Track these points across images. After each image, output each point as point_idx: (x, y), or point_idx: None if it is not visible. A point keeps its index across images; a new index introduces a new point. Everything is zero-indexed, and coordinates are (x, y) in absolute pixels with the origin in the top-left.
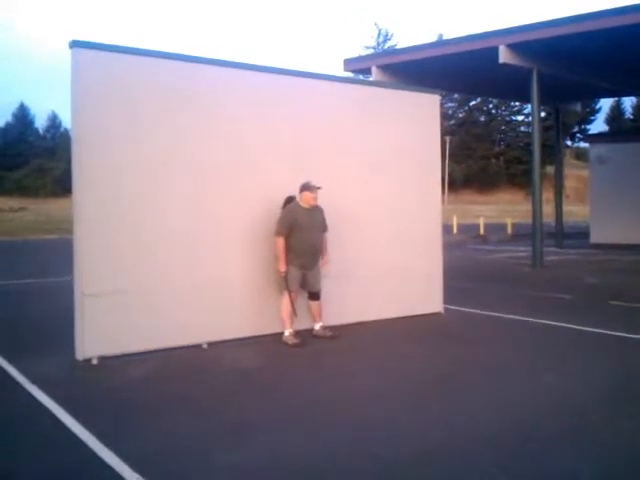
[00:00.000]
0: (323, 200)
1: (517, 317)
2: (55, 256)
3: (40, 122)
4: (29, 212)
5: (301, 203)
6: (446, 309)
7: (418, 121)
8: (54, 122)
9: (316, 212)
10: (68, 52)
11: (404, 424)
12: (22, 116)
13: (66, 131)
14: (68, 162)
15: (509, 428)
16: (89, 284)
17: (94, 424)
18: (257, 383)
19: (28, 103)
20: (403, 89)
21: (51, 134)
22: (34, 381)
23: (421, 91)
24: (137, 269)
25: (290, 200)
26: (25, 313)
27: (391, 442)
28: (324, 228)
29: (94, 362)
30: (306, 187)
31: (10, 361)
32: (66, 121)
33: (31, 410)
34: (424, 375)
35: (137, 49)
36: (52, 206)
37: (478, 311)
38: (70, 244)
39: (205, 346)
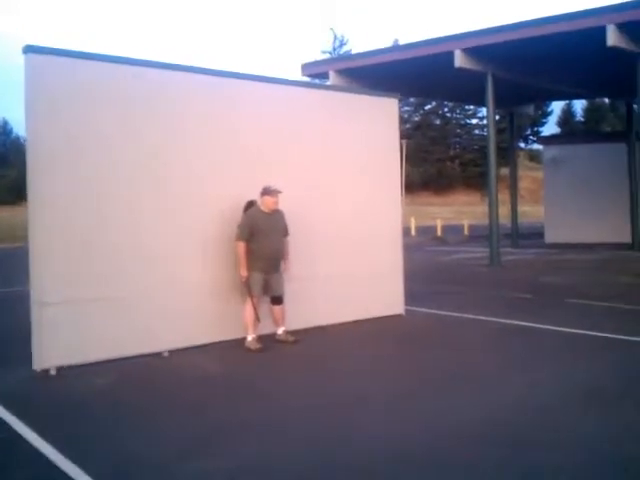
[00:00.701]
0: (283, 204)
1: (476, 317)
2: (6, 265)
3: None
4: None
5: (262, 207)
6: (407, 310)
7: (377, 124)
8: (5, 129)
9: (277, 216)
10: (21, 58)
11: (364, 429)
12: None
13: (17, 138)
14: (19, 170)
15: (468, 430)
16: (46, 293)
17: (52, 436)
18: (218, 391)
19: None
20: (362, 93)
21: (1, 141)
22: None
23: (379, 95)
24: (94, 277)
25: (251, 204)
26: None
27: (347, 449)
28: (285, 232)
29: (52, 372)
30: (267, 191)
31: None
32: (17, 128)
33: None
34: (386, 378)
35: (91, 54)
36: (3, 214)
37: (438, 312)
38: (22, 253)
39: (166, 354)
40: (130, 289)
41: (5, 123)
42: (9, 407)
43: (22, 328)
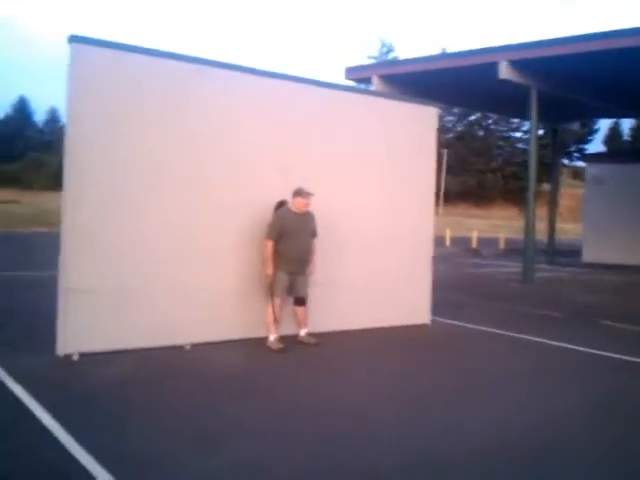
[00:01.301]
0: (314, 207)
1: (504, 332)
2: (42, 249)
3: (40, 116)
4: (21, 205)
5: (293, 208)
6: (433, 321)
7: (416, 132)
8: (53, 116)
9: (307, 218)
10: (67, 47)
11: (382, 437)
12: (21, 109)
13: (64, 126)
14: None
15: (493, 444)
16: (73, 279)
17: (68, 422)
18: (236, 388)
19: (29, 96)
20: (402, 100)
21: (50, 128)
22: (13, 376)
23: (420, 103)
24: (123, 266)
25: (282, 204)
26: (7, 306)
27: (368, 455)
28: (314, 234)
29: (75, 358)
30: (299, 193)
31: None
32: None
33: (8, 407)
34: (405, 387)
35: (136, 47)
36: (46, 199)
37: (465, 324)
38: (59, 238)
39: (188, 347)
40: (157, 280)
41: (54, 111)
42: (29, 389)
43: (51, 312)
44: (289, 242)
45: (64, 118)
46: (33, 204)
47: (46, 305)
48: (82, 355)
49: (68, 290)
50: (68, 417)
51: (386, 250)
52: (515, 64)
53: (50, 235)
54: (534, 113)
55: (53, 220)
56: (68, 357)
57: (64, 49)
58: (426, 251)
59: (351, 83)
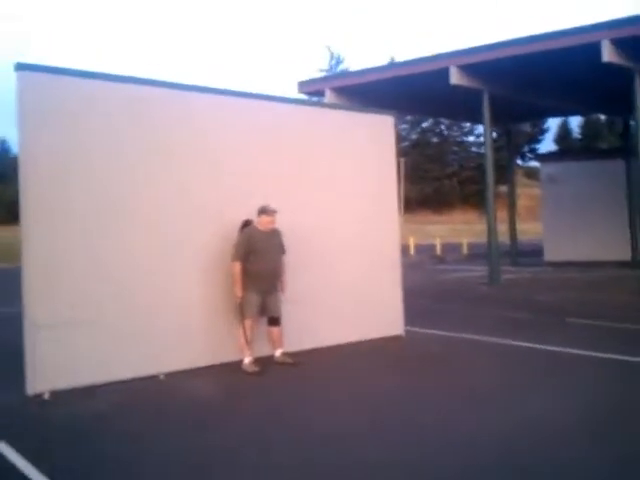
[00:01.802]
0: (279, 223)
1: (477, 337)
2: (2, 286)
3: None
4: None
5: (259, 226)
6: (407, 331)
7: (374, 143)
8: (3, 147)
9: (274, 235)
10: (13, 75)
11: (358, 455)
12: None
13: (15, 157)
14: (16, 188)
15: (472, 457)
16: (39, 315)
17: (44, 465)
18: (215, 416)
19: None
20: (357, 111)
21: (0, 159)
22: None
23: (375, 112)
24: (90, 298)
25: (247, 224)
26: None
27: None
28: (282, 251)
29: (46, 397)
30: (263, 210)
31: None
32: (15, 147)
33: None
34: (387, 405)
35: (83, 71)
36: (1, 233)
37: (438, 332)
38: (18, 273)
39: (162, 377)
40: (125, 311)
41: (3, 142)
42: (0, 433)
43: (17, 350)
44: (258, 261)
45: (16, 149)
46: None
47: (14, 343)
48: (53, 393)
49: (34, 326)
50: (42, 459)
51: (354, 263)
52: (465, 69)
53: (8, 270)
54: (487, 116)
55: (10, 254)
56: (39, 396)
57: (6, 77)
58: (394, 261)
59: (303, 96)
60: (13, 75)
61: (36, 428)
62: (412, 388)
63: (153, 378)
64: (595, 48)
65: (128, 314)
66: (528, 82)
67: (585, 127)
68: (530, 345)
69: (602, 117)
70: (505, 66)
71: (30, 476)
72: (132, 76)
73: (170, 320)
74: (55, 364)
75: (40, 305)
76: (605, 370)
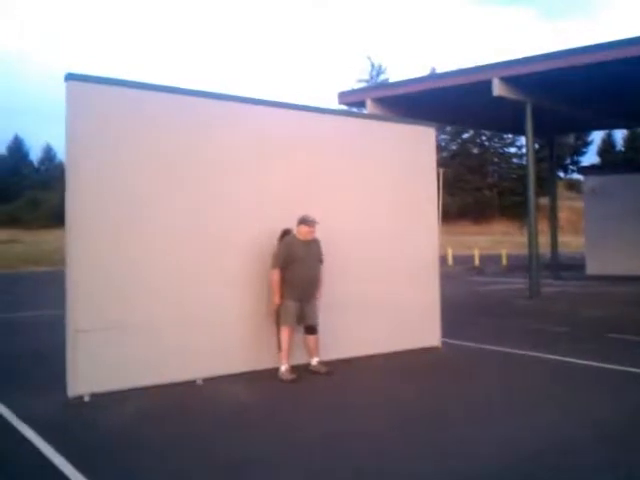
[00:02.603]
0: (318, 232)
1: (516, 351)
2: (45, 289)
3: (35, 154)
4: (21, 244)
5: (298, 236)
6: (444, 343)
7: (414, 153)
8: (49, 154)
9: (313, 244)
10: (63, 85)
11: (390, 466)
12: (16, 148)
13: (61, 163)
14: (62, 194)
15: (510, 468)
16: (81, 320)
17: (85, 464)
18: (252, 422)
19: (23, 135)
20: (399, 122)
21: (45, 166)
22: (24, 419)
23: (416, 123)
24: (130, 304)
25: (287, 233)
26: (14, 348)
27: None
28: (321, 260)
29: (86, 399)
30: (303, 221)
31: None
32: (61, 153)
33: (21, 450)
34: (423, 415)
35: (132, 82)
36: (45, 238)
37: (476, 345)
38: (59, 277)
39: (200, 382)
40: (165, 316)
41: (49, 149)
42: (42, 434)
43: (58, 352)
44: (296, 270)
45: (61, 156)
46: (33, 243)
47: (53, 346)
48: (93, 395)
49: (76, 331)
50: (83, 461)
51: (394, 273)
52: (508, 80)
53: (52, 274)
54: (530, 128)
55: (54, 259)
56: (79, 398)
57: (57, 86)
58: (433, 272)
59: (343, 107)
60: (54, 83)
61: (77, 430)
62: (444, 398)
63: (191, 383)
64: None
65: (168, 320)
66: (572, 94)
67: (629, 140)
68: (569, 360)
69: None
70: (549, 78)
71: (70, 476)
72: (178, 87)
73: (209, 326)
74: (96, 368)
75: (82, 309)
76: None
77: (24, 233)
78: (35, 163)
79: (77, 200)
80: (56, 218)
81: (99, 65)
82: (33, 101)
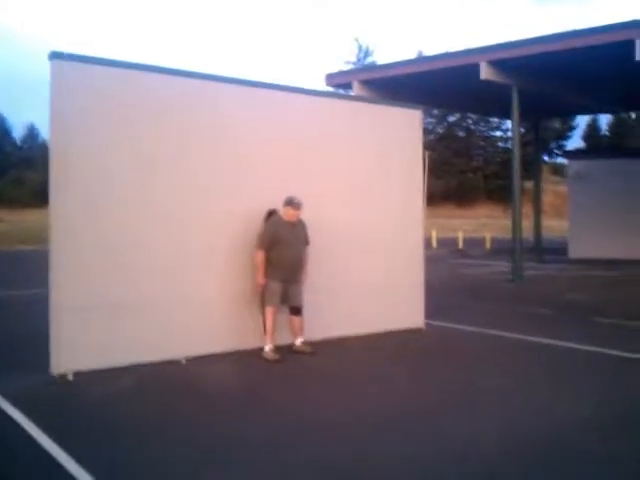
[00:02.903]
0: (304, 214)
1: (498, 333)
2: (29, 268)
3: (17, 132)
4: (5, 223)
5: (284, 217)
6: (427, 324)
7: (401, 136)
8: (32, 133)
9: (298, 226)
10: (47, 63)
11: (375, 446)
12: None
13: (44, 142)
14: (45, 173)
15: (493, 453)
16: (65, 297)
17: (68, 442)
18: (236, 401)
19: (5, 113)
20: (386, 104)
21: (28, 145)
22: (7, 397)
23: (403, 106)
24: (115, 281)
25: (272, 213)
26: (1, 326)
27: (354, 466)
28: (306, 242)
29: (69, 377)
30: (289, 202)
31: None
32: (44, 132)
33: (3, 427)
34: (400, 394)
35: (117, 61)
36: (29, 217)
37: (459, 326)
38: (45, 256)
39: (184, 361)
40: (150, 295)
41: (32, 127)
42: (25, 411)
43: (41, 331)
44: (281, 251)
45: (44, 134)
46: (16, 222)
47: (37, 324)
48: (77, 374)
49: (60, 308)
50: (67, 438)
51: (378, 255)
52: (495, 64)
53: (36, 253)
54: (516, 112)
55: (38, 237)
56: (63, 376)
57: (39, 64)
58: (417, 254)
59: (330, 89)
60: (39, 62)
61: (59, 407)
62: (427, 378)
63: (175, 362)
64: (627, 46)
65: (152, 299)
66: (558, 79)
67: (614, 125)
68: (552, 342)
69: (632, 115)
70: (535, 62)
71: (53, 453)
72: (163, 66)
73: (193, 306)
74: (79, 346)
75: (65, 287)
76: (629, 369)
77: (6, 212)
78: (17, 142)
79: (61, 179)
80: (39, 197)
81: (87, 42)
82: (15, 78)
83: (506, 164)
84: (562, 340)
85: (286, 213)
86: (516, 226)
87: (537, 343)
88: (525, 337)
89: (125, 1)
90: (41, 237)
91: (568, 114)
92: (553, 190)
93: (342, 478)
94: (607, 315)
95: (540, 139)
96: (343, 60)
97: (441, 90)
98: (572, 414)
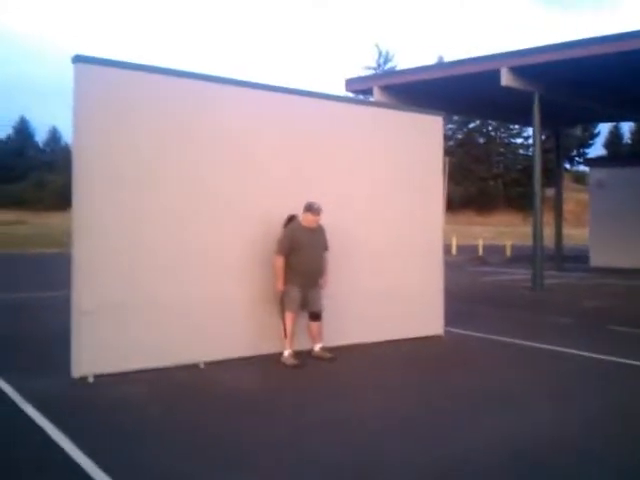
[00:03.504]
0: (324, 219)
1: (518, 341)
2: (51, 270)
3: (40, 136)
4: (27, 225)
5: (303, 223)
6: (446, 332)
7: (422, 142)
8: (54, 136)
9: (318, 232)
10: (71, 67)
11: (391, 453)
12: (22, 130)
13: (66, 145)
14: (68, 176)
15: (507, 461)
16: (86, 300)
17: (88, 444)
18: (252, 406)
19: (29, 117)
20: (407, 110)
21: (51, 148)
22: (28, 399)
23: (424, 112)
24: (135, 286)
25: (292, 219)
26: (19, 328)
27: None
28: (325, 248)
29: (90, 380)
30: (309, 208)
31: (4, 378)
32: (67, 135)
33: (24, 429)
34: (419, 401)
35: (141, 65)
36: (51, 220)
37: (478, 334)
38: (67, 258)
39: (202, 365)
40: (169, 299)
41: (55, 131)
42: (46, 414)
43: (62, 333)
44: (301, 256)
45: (67, 138)
46: (38, 224)
47: (58, 327)
48: (97, 376)
49: (81, 312)
50: (88, 440)
51: (398, 261)
52: (517, 71)
53: (58, 255)
54: (537, 119)
55: (59, 240)
56: (83, 379)
57: (64, 67)
58: (437, 261)
59: (350, 94)
60: (61, 66)
61: (79, 409)
62: (445, 386)
63: (194, 366)
64: None
65: (172, 303)
66: (580, 86)
67: (637, 133)
68: (569, 351)
69: None
70: (557, 69)
71: (73, 455)
72: (185, 70)
73: (213, 311)
74: (99, 349)
75: (86, 290)
76: None
77: (30, 215)
78: (40, 145)
79: (83, 182)
80: (62, 200)
81: (109, 47)
82: (39, 82)
83: (527, 171)
84: (579, 349)
85: (305, 219)
86: (537, 234)
87: (552, 351)
88: (541, 345)
89: (147, 6)
90: (63, 240)
91: (590, 121)
92: (575, 198)
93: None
94: (623, 324)
95: (561, 146)
96: (363, 66)
97: (461, 96)
98: (582, 422)
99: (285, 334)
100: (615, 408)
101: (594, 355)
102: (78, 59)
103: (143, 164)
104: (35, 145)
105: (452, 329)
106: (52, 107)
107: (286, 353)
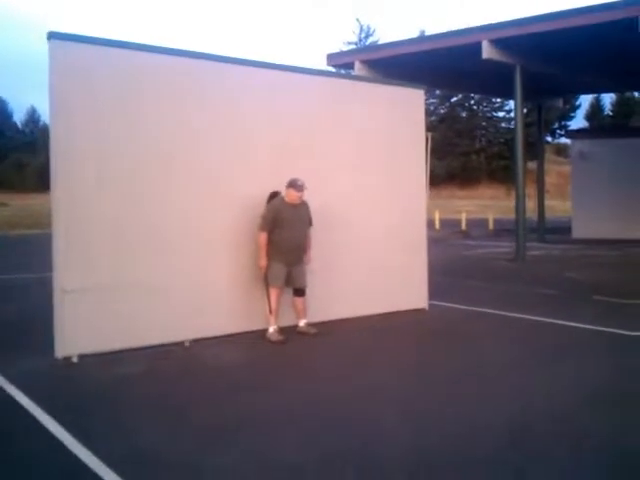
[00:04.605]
0: (308, 194)
1: (501, 312)
2: (33, 251)
3: (18, 116)
4: (7, 207)
5: (286, 199)
6: (430, 305)
7: (403, 116)
8: (33, 116)
9: (301, 207)
10: (46, 44)
11: (376, 424)
12: (0, 110)
13: (45, 126)
14: (48, 157)
15: (498, 432)
16: (69, 280)
17: (72, 423)
18: (238, 382)
19: (6, 97)
20: (388, 84)
21: (30, 129)
22: (12, 380)
23: (405, 86)
24: (118, 265)
25: (274, 195)
26: (2, 310)
27: (355, 442)
28: (309, 223)
29: (74, 360)
30: (292, 184)
31: None
32: (45, 115)
33: (8, 409)
34: (403, 373)
35: (116, 41)
36: (32, 201)
37: (462, 307)
38: (49, 239)
39: (188, 343)
40: (152, 278)
41: (33, 111)
42: (30, 394)
43: (46, 315)
44: (284, 232)
45: (45, 118)
46: (20, 206)
47: (41, 308)
48: (81, 356)
49: (63, 291)
50: (71, 420)
51: (381, 236)
52: (498, 43)
53: (39, 237)
54: (519, 91)
55: (41, 221)
56: (67, 359)
57: (41, 46)
58: (421, 235)
59: (332, 69)
60: (40, 43)
61: (64, 389)
62: (429, 358)
63: (179, 344)
64: (632, 23)
65: (156, 281)
66: (561, 57)
67: (618, 104)
68: (553, 321)
69: (636, 94)
70: (538, 41)
71: (57, 434)
72: (165, 47)
73: (197, 288)
74: (83, 329)
75: (68, 270)
76: (630, 347)
77: (8, 196)
78: (19, 125)
79: (61, 160)
80: (43, 181)
81: (87, 23)
82: (16, 62)
83: (509, 145)
84: (561, 319)
85: (289, 195)
86: (519, 206)
87: (535, 321)
88: (525, 316)
89: None
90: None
91: (571, 93)
92: (556, 170)
93: (330, 449)
94: (606, 294)
95: (543, 119)
96: (344, 41)
97: (443, 70)
98: (571, 391)
99: (270, 310)
100: (602, 375)
101: (578, 325)
102: (53, 36)
103: (123, 142)
104: (14, 126)
105: (436, 302)
106: (30, 87)
107: (271, 329)
